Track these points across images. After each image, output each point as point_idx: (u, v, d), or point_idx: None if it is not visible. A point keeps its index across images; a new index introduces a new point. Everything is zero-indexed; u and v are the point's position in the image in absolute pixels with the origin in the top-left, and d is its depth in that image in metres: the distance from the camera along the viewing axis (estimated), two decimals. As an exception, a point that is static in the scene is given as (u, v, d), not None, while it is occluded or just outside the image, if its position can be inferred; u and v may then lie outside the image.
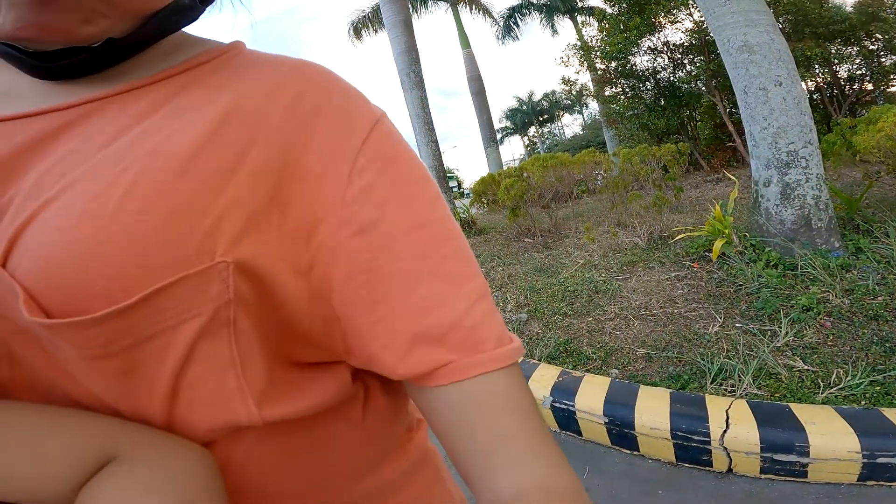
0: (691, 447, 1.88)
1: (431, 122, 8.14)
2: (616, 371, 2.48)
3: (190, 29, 0.45)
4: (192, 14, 0.43)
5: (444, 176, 8.13)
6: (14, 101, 0.39)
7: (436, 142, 8.10)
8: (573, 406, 2.21)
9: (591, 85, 13.74)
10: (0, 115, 0.37)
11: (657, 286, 3.41)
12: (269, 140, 0.38)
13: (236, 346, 0.37)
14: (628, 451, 2.05)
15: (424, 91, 8.19)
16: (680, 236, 4.21)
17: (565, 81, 27.92)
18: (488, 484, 0.35)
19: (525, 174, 6.69)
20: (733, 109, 9.64)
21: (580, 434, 2.21)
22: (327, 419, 0.45)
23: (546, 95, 36.52)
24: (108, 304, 0.32)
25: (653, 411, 2.01)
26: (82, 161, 0.35)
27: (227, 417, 0.38)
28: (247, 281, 0.36)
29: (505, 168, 8.85)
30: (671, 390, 2.16)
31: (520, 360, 0.43)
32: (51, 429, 0.33)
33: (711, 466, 1.86)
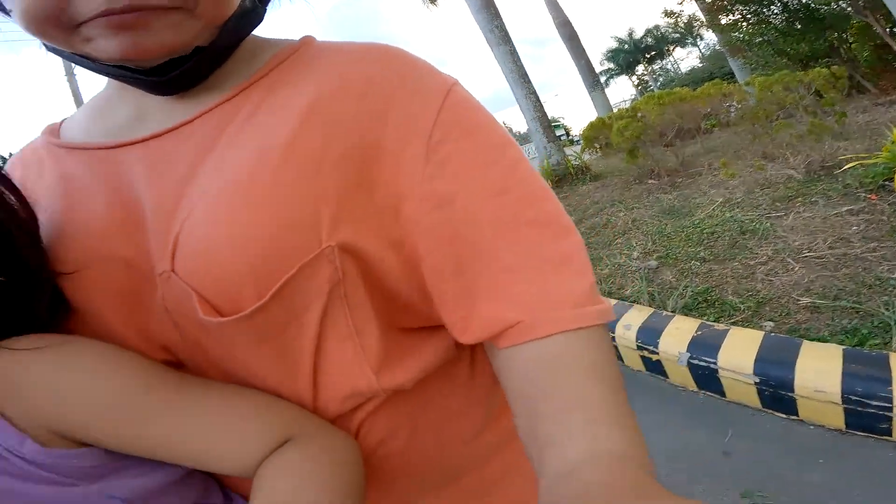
0: (867, 413, 1.60)
1: (526, 74, 7.77)
2: (771, 324, 2.16)
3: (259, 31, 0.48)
4: (257, 17, 0.46)
5: (548, 126, 7.79)
6: (146, 122, 0.44)
7: (534, 93, 7.76)
8: (715, 363, 1.97)
9: (700, 15, 12.29)
10: (140, 137, 0.42)
11: (823, 223, 2.91)
12: (349, 127, 0.40)
13: (351, 320, 0.41)
14: (783, 415, 1.80)
15: (512, 45, 7.82)
16: (850, 165, 3.52)
17: (668, 14, 25.57)
18: (559, 450, 0.33)
19: (639, 114, 6.19)
20: (894, 29, 8.18)
21: (723, 395, 1.98)
22: (439, 382, 0.47)
23: (649, 31, 33.61)
24: (256, 299, 0.37)
25: (819, 371, 1.72)
26: (206, 169, 0.40)
27: (352, 387, 0.42)
28: (351, 260, 0.39)
29: (615, 111, 8.39)
30: (844, 347, 1.83)
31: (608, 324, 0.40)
32: (246, 411, 0.39)
33: (891, 436, 1.58)
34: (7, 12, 0.37)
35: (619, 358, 2.44)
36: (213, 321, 0.37)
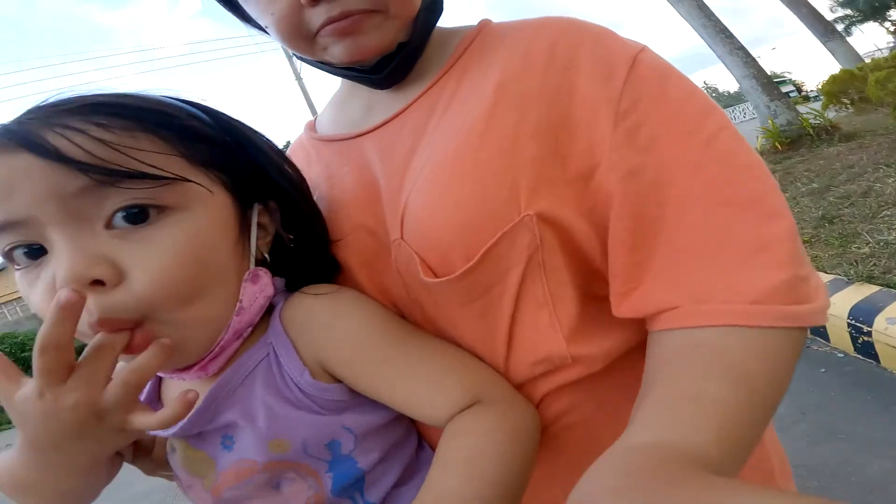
0: None
1: (725, 28, 6.77)
2: None
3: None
4: (439, 8, 0.51)
5: (769, 83, 6.71)
6: (374, 113, 0.52)
7: (742, 49, 6.71)
8: None
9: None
10: (376, 123, 0.50)
11: None
12: (538, 102, 0.42)
13: (547, 287, 0.42)
14: None
15: (699, -2, 6.75)
16: None
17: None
18: (630, 432, 0.33)
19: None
20: None
21: None
22: (635, 362, 0.43)
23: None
24: (464, 263, 0.41)
25: None
26: (420, 150, 0.46)
27: (543, 351, 0.43)
28: (549, 228, 0.41)
29: (869, 61, 7.13)
30: None
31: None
32: (448, 367, 0.43)
33: None
34: (264, 30, 0.49)
35: (875, 359, 2.00)
36: (431, 281, 0.43)
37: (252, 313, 0.43)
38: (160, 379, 0.48)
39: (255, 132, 0.47)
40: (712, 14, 6.87)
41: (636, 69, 0.41)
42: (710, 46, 6.93)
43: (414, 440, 0.49)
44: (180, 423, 0.41)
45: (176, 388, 0.46)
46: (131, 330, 0.35)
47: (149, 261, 0.35)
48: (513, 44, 0.46)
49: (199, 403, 0.38)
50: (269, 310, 0.45)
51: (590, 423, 0.46)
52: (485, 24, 0.52)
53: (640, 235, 0.39)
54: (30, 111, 0.37)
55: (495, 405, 0.41)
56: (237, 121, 0.46)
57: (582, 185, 0.41)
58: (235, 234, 0.42)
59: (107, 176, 0.34)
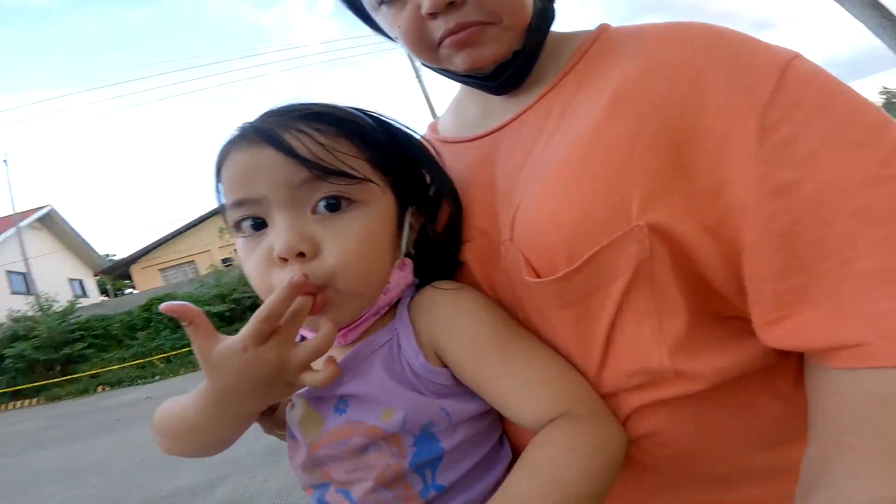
0: None
1: None
2: None
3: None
4: (551, 15, 0.52)
5: None
6: (491, 118, 0.55)
7: None
8: None
9: None
10: (492, 127, 0.53)
11: None
12: (659, 111, 0.41)
13: (653, 299, 0.41)
14: None
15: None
16: None
17: None
18: (841, 488, 0.31)
19: None
20: None
21: None
22: (748, 386, 0.43)
23: None
24: (567, 266, 0.42)
25: None
26: (534, 155, 0.47)
27: (642, 363, 0.42)
28: (661, 241, 0.40)
29: None
30: None
31: None
32: (546, 374, 0.45)
33: None
34: (393, 39, 0.53)
35: None
36: (532, 281, 0.44)
37: (394, 295, 0.51)
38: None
39: (419, 143, 0.55)
40: (889, 12, 5.83)
41: (788, 78, 0.38)
42: (888, 45, 5.90)
43: (496, 435, 0.51)
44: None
45: None
46: (314, 295, 0.44)
47: (339, 243, 0.45)
48: (634, 50, 0.45)
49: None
50: (397, 301, 0.52)
51: (684, 445, 0.44)
52: (603, 29, 0.52)
53: (795, 258, 0.36)
54: (268, 113, 0.48)
55: (585, 420, 0.43)
56: (405, 131, 0.54)
57: (709, 199, 0.39)
58: (394, 228, 0.50)
59: (322, 172, 0.44)
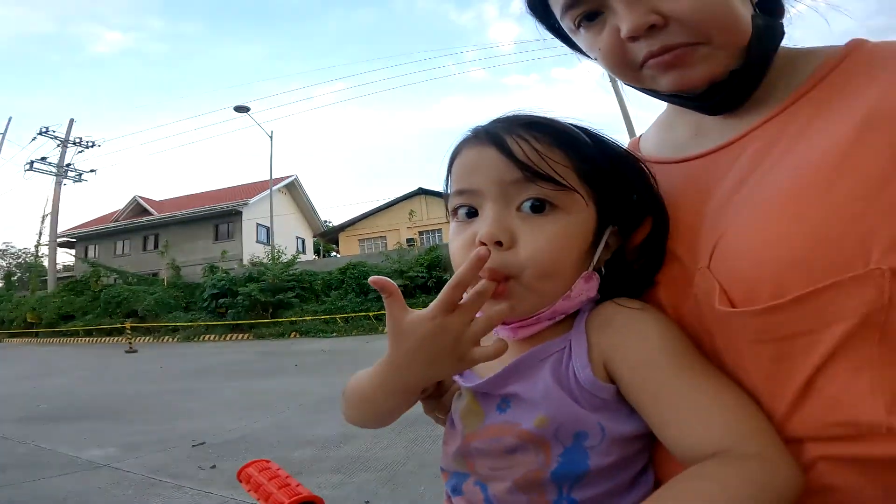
0: None
1: None
2: None
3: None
4: (777, 32, 0.48)
5: None
6: (705, 139, 0.53)
7: None
8: None
9: None
10: (706, 149, 0.51)
11: None
12: None
13: (879, 349, 0.37)
14: None
15: None
16: None
17: None
18: None
19: None
20: None
21: None
22: None
23: None
24: (770, 299, 0.39)
25: None
26: (752, 181, 0.44)
27: (849, 415, 0.38)
28: None
29: None
30: None
31: None
32: (721, 407, 0.42)
33: None
34: (594, 59, 0.53)
35: None
36: (724, 310, 0.42)
37: (573, 303, 0.51)
38: None
39: (634, 163, 0.54)
40: None
41: None
42: None
43: (643, 462, 0.50)
44: (482, 379, 0.52)
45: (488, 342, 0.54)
46: (500, 282, 0.47)
47: (533, 240, 0.48)
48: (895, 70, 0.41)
49: (500, 369, 0.51)
50: (577, 314, 0.53)
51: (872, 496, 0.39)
52: (856, 46, 0.46)
53: None
54: (496, 120, 0.53)
55: (753, 459, 0.40)
56: (620, 150, 0.54)
57: None
58: (588, 241, 0.51)
59: (532, 174, 0.48)
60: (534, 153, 0.48)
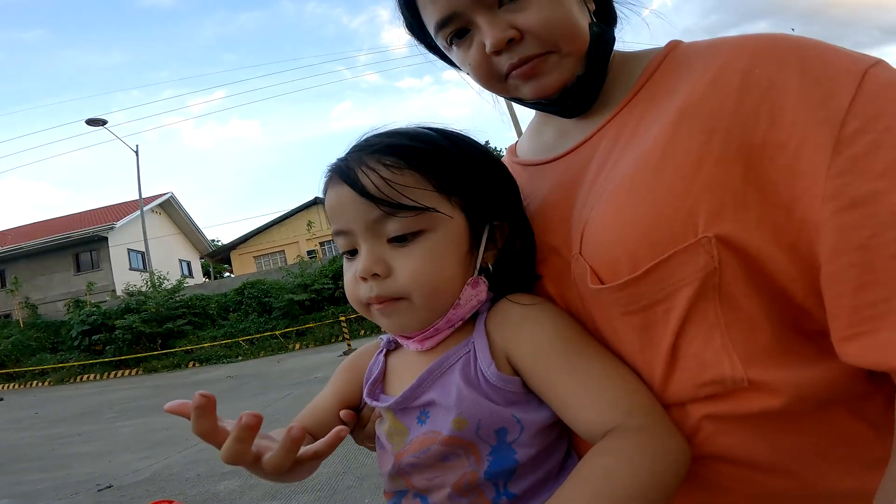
0: None
1: None
2: None
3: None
4: (610, 38, 0.55)
5: None
6: (567, 139, 0.58)
7: None
8: None
9: None
10: (567, 149, 0.57)
11: None
12: (728, 126, 0.41)
13: (721, 310, 0.41)
14: None
15: None
16: None
17: None
18: None
19: None
20: None
21: None
22: (833, 409, 0.42)
23: None
24: (628, 273, 0.44)
25: None
26: (604, 173, 0.50)
27: (713, 373, 0.42)
28: (732, 253, 0.40)
29: None
30: None
31: None
32: (610, 384, 0.46)
33: None
34: (466, 72, 0.57)
35: None
36: (595, 288, 0.46)
37: (465, 310, 0.54)
38: (387, 354, 0.61)
39: (493, 159, 0.58)
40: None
41: (867, 86, 0.37)
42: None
43: (564, 447, 0.53)
44: (396, 397, 0.54)
45: (398, 362, 0.60)
46: (382, 303, 0.52)
47: (408, 267, 0.51)
48: (703, 66, 0.46)
49: (412, 382, 0.53)
50: (476, 316, 0.56)
51: (758, 468, 0.44)
52: (673, 46, 0.53)
53: (872, 272, 0.35)
54: (353, 148, 0.55)
55: (645, 431, 0.43)
56: (480, 149, 0.57)
57: (783, 214, 0.39)
58: (465, 247, 0.53)
59: (389, 207, 0.50)
60: (384, 185, 0.49)
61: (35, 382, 13.71)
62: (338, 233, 0.54)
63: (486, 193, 0.55)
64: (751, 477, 0.44)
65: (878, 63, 0.39)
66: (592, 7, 0.55)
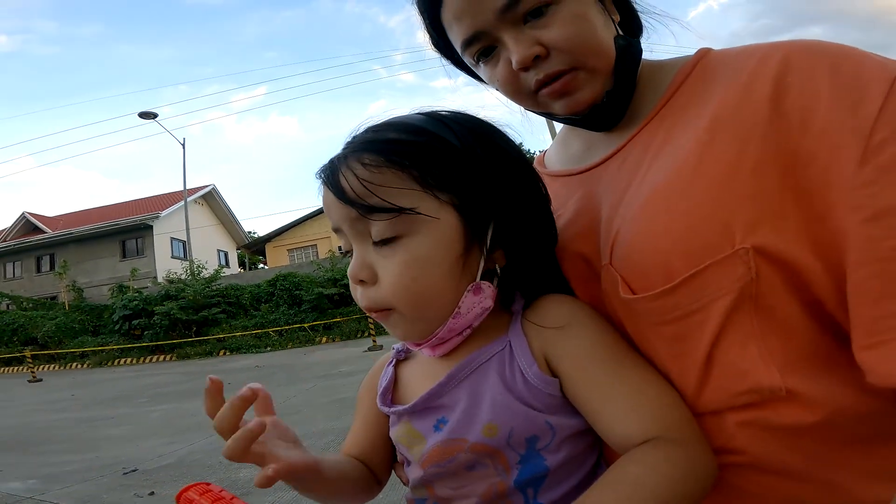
0: None
1: None
2: None
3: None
4: (636, 50, 0.54)
5: None
6: (595, 152, 0.58)
7: None
8: None
9: None
10: (595, 161, 0.57)
11: None
12: (763, 134, 0.41)
13: (758, 320, 0.41)
14: None
15: None
16: None
17: None
18: None
19: None
20: None
21: None
22: (869, 426, 0.41)
23: None
24: (662, 284, 0.44)
25: None
26: (634, 184, 0.49)
27: (750, 382, 0.42)
28: (769, 263, 0.40)
29: None
30: None
31: None
32: (647, 395, 0.46)
33: None
34: (495, 88, 0.58)
35: None
36: (628, 298, 0.46)
37: (469, 318, 0.50)
38: (397, 364, 0.60)
39: (506, 142, 0.53)
40: None
41: None
42: None
43: (594, 457, 0.51)
44: (414, 401, 0.52)
45: (411, 370, 0.58)
46: (377, 312, 0.49)
47: (389, 275, 0.47)
48: (734, 73, 0.46)
49: (432, 386, 0.51)
50: (509, 313, 0.54)
51: (791, 477, 0.43)
52: (703, 55, 0.53)
53: (892, 284, 0.35)
54: (344, 146, 0.51)
55: (678, 445, 0.43)
56: (490, 132, 0.52)
57: (818, 223, 0.39)
58: (459, 250, 0.48)
59: (364, 210, 0.47)
60: (359, 185, 0.46)
61: (75, 364, 14.30)
62: (335, 230, 0.52)
63: (490, 187, 0.49)
64: (782, 485, 0.44)
65: None
66: (617, 18, 0.54)
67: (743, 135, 0.42)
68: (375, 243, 0.48)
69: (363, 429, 0.60)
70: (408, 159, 0.47)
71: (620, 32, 0.54)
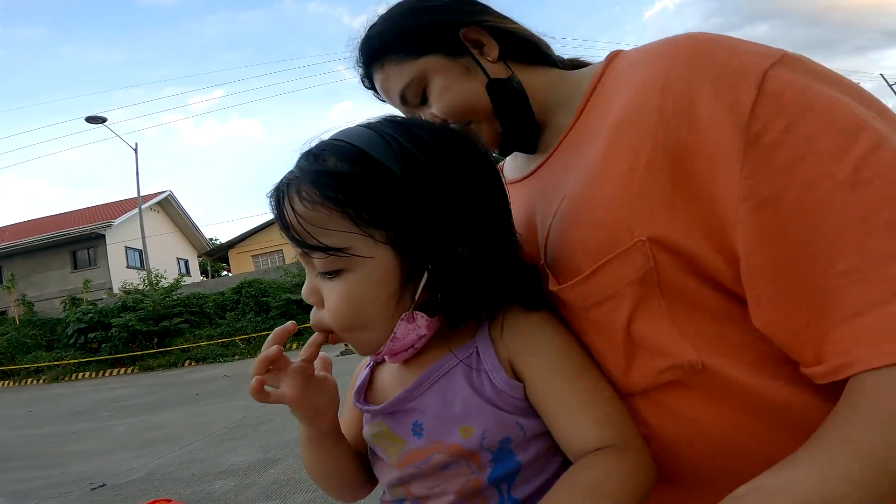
0: None
1: None
2: None
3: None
4: (508, 87, 0.59)
5: None
6: (535, 159, 0.63)
7: None
8: None
9: None
10: (531, 170, 0.62)
11: None
12: (654, 133, 0.44)
13: (664, 301, 0.45)
14: None
15: None
16: None
17: None
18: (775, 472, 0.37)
19: None
20: None
21: None
22: (787, 390, 0.43)
23: None
24: (574, 277, 0.49)
25: None
26: (554, 193, 0.55)
27: (670, 359, 0.46)
28: (665, 251, 0.44)
29: None
30: None
31: None
32: (599, 403, 0.49)
33: None
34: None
35: None
36: (555, 289, 0.52)
37: (406, 342, 0.51)
38: (374, 366, 0.63)
39: (464, 151, 0.51)
40: None
41: (767, 87, 0.39)
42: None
43: (557, 460, 0.53)
44: (387, 402, 0.54)
45: (385, 372, 0.60)
46: (328, 332, 0.52)
47: (329, 302, 0.50)
48: (633, 76, 0.49)
49: (400, 391, 0.53)
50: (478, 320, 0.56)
51: (721, 451, 0.47)
52: (611, 59, 0.56)
53: (785, 261, 0.38)
54: (296, 162, 0.52)
55: (632, 452, 0.47)
56: (453, 153, 0.50)
57: (707, 212, 0.42)
58: (395, 286, 0.49)
59: (304, 248, 0.49)
60: (297, 223, 0.47)
61: (30, 380, 13.65)
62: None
63: (431, 220, 0.47)
64: (714, 460, 0.47)
65: (781, 59, 0.41)
66: (495, 53, 0.58)
67: (637, 138, 0.45)
68: (320, 273, 0.50)
69: (345, 425, 0.63)
70: (343, 194, 0.47)
71: (490, 77, 0.58)
